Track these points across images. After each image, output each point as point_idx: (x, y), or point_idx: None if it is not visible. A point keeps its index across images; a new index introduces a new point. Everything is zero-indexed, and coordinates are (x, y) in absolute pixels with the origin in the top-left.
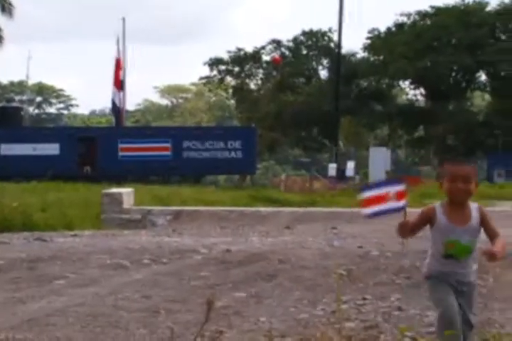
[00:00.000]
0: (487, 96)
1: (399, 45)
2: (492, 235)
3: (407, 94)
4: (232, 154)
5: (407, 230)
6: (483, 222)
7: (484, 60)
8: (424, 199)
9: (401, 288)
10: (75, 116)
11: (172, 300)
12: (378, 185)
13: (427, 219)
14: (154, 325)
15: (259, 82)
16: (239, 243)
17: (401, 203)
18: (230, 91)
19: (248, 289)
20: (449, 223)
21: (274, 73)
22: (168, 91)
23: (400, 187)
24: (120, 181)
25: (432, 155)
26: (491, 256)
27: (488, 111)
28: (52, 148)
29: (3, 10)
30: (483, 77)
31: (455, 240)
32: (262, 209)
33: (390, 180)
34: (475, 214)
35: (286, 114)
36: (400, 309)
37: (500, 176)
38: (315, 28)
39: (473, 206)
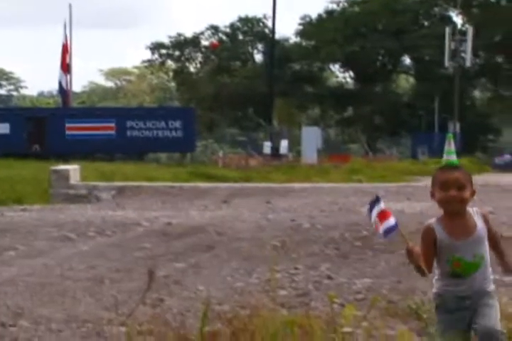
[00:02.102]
0: (411, 79)
1: (329, 31)
2: (495, 242)
3: (337, 76)
4: (173, 133)
5: (417, 259)
6: (488, 226)
7: (408, 45)
8: (351, 175)
9: (330, 258)
10: (24, 97)
11: (116, 270)
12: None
13: (432, 241)
14: (99, 294)
15: (198, 65)
16: (179, 216)
17: (391, 221)
18: (171, 74)
19: (187, 260)
20: (451, 239)
21: (212, 57)
22: (112, 73)
23: (381, 207)
24: (67, 158)
25: (360, 134)
26: (509, 270)
27: (412, 93)
28: (2, 128)
29: None
30: (407, 61)
31: (459, 257)
32: (201, 184)
33: (373, 200)
34: (479, 221)
35: (223, 95)
36: (329, 278)
37: (423, 154)
38: (250, 15)
39: (475, 212)
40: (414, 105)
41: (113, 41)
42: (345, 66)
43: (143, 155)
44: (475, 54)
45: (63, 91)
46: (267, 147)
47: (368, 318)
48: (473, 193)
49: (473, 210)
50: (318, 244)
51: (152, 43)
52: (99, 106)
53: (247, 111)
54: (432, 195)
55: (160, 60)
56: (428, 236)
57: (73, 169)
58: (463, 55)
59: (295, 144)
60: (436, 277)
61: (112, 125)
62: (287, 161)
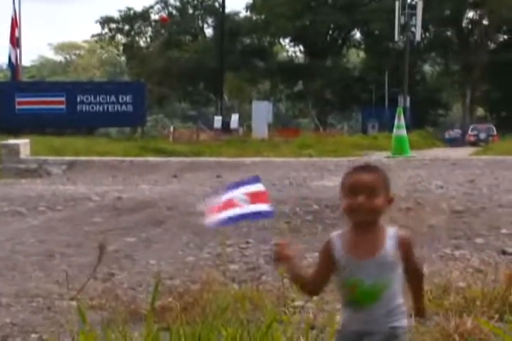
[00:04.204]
0: (362, 54)
1: (279, 5)
2: (414, 277)
3: (287, 51)
4: (123, 107)
5: (292, 267)
6: (406, 254)
7: (358, 19)
8: (302, 149)
9: (281, 232)
10: None
11: (66, 245)
12: (230, 187)
13: (328, 258)
14: (50, 268)
15: (148, 39)
16: (130, 191)
17: (264, 207)
18: (121, 48)
19: (138, 234)
20: (349, 256)
21: (162, 31)
22: (62, 48)
23: (257, 187)
24: (17, 133)
25: (311, 108)
26: (423, 315)
27: (363, 67)
28: None
29: None
30: (357, 35)
31: (356, 281)
32: (151, 158)
33: (246, 180)
34: (390, 243)
35: (173, 70)
36: None
37: (373, 128)
38: None
39: (390, 231)
40: (365, 79)
41: (62, 15)
42: (296, 40)
43: (93, 129)
44: (425, 28)
45: (12, 66)
46: (217, 121)
47: None
48: (389, 201)
49: (391, 230)
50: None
51: (102, 17)
52: (49, 80)
53: (198, 86)
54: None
55: (110, 34)
56: (325, 251)
57: (23, 143)
58: (413, 29)
59: (246, 119)
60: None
61: (62, 99)
62: (238, 136)
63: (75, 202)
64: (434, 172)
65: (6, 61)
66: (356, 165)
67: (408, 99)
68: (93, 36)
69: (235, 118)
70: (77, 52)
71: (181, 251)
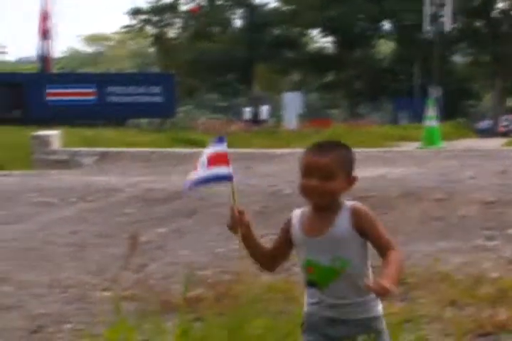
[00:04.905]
0: (392, 44)
1: None
2: (381, 248)
3: (317, 42)
4: (153, 99)
5: (247, 234)
6: (362, 228)
7: (388, 10)
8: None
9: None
10: (4, 63)
11: (98, 236)
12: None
13: (285, 233)
14: (82, 259)
15: (178, 31)
16: (160, 182)
17: (224, 170)
18: (150, 39)
19: (169, 225)
20: (303, 235)
21: (191, 23)
22: (92, 39)
23: (219, 148)
24: (47, 124)
25: (341, 99)
26: (381, 292)
27: (393, 58)
28: None
29: None
30: (387, 25)
31: (311, 260)
32: (182, 150)
33: (214, 140)
34: (342, 218)
35: (203, 61)
36: None
37: (404, 119)
38: None
39: (346, 205)
40: (395, 70)
41: (93, 7)
42: (325, 31)
43: (123, 121)
44: (454, 18)
45: (43, 57)
46: (247, 113)
47: None
48: (351, 181)
49: (347, 205)
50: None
51: (131, 8)
52: (79, 72)
53: (227, 77)
54: None
55: (139, 25)
56: (284, 228)
57: (54, 135)
58: (442, 19)
59: (276, 110)
60: None
61: (93, 90)
62: (268, 127)
63: (106, 193)
64: (465, 162)
65: (37, 53)
66: (315, 142)
67: (440, 89)
68: (123, 28)
69: (264, 109)
70: (107, 43)
71: (212, 241)
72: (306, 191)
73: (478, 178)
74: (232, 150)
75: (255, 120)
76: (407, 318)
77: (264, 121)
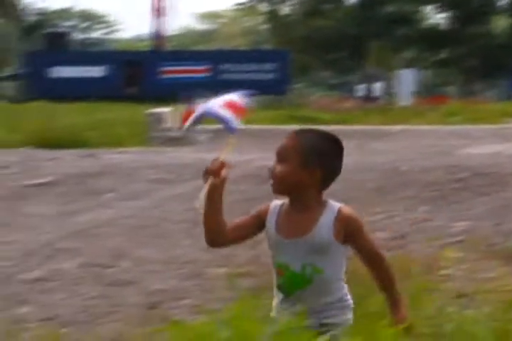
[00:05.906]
0: (508, 20)
1: None
2: (369, 259)
3: (430, 18)
4: (268, 76)
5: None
6: (350, 236)
7: None
8: (448, 117)
9: (428, 201)
10: (119, 40)
11: None
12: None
13: (258, 222)
14: (197, 236)
15: (291, 7)
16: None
17: (235, 121)
18: (263, 16)
19: None
20: (276, 234)
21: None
22: (205, 17)
23: (241, 101)
24: (164, 101)
25: (456, 76)
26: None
27: (509, 34)
28: (98, 71)
29: None
30: (505, 1)
31: (281, 264)
32: (298, 127)
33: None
34: (325, 220)
35: (315, 38)
36: (426, 220)
37: None
38: None
39: (331, 208)
40: (511, 46)
41: None
42: (439, 7)
43: None
44: None
45: (157, 35)
46: (360, 90)
47: (466, 260)
48: (312, 174)
49: (333, 208)
50: (415, 186)
51: None
52: (192, 49)
53: (340, 54)
54: None
55: (252, 3)
56: (259, 215)
57: (169, 112)
58: None
59: (388, 87)
60: None
61: (206, 67)
62: (381, 104)
63: None
64: None
65: (151, 30)
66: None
67: None
68: (236, 5)
69: (378, 86)
70: (220, 20)
71: None
72: (269, 175)
73: None
74: (346, 127)
75: (368, 97)
76: None
77: (377, 98)
